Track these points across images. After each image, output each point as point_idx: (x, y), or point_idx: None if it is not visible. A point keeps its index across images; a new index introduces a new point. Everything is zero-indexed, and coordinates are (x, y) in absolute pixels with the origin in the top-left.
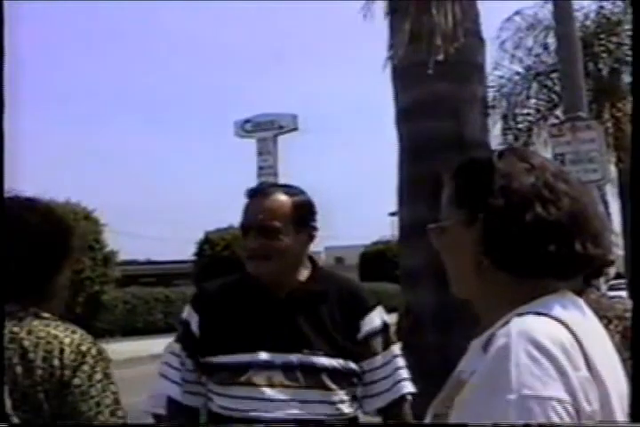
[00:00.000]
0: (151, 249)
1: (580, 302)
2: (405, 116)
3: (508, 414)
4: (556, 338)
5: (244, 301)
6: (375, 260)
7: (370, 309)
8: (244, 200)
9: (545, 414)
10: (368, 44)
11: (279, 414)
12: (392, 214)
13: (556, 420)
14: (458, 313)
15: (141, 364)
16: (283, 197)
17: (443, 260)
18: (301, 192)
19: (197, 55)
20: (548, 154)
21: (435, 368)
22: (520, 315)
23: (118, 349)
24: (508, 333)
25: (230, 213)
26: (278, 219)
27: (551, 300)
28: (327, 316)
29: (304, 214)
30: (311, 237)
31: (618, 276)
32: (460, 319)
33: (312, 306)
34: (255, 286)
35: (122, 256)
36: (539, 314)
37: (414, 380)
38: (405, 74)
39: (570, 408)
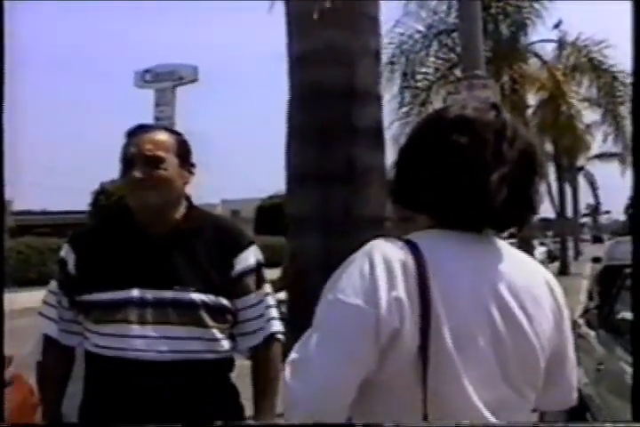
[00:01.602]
0: (47, 199)
1: (480, 240)
2: (297, 64)
3: (321, 310)
4: (387, 259)
5: (120, 239)
6: (271, 213)
7: (244, 247)
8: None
9: (340, 314)
10: None
11: (147, 351)
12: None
13: (346, 320)
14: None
15: (35, 314)
16: (165, 133)
17: None
18: (180, 133)
19: (101, 3)
20: None
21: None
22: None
23: (12, 299)
24: (361, 249)
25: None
26: (163, 150)
27: (432, 231)
28: (202, 253)
29: (186, 150)
30: (191, 173)
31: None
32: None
33: (187, 243)
34: (131, 223)
35: (16, 206)
36: (399, 239)
37: (299, 324)
38: (297, 22)
39: (368, 317)
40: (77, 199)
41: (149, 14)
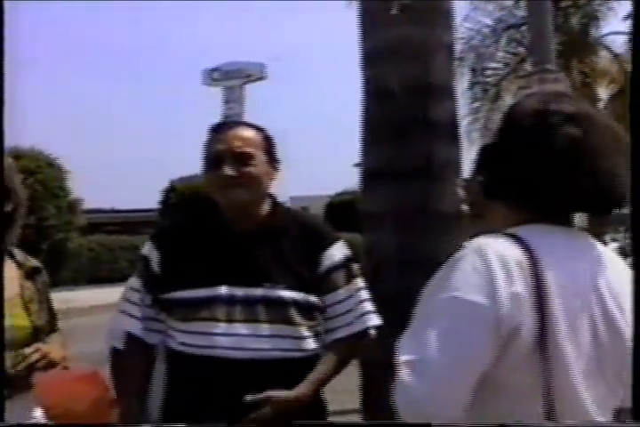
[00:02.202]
0: (116, 197)
1: (579, 236)
2: (371, 59)
3: (434, 308)
4: (501, 254)
5: (206, 236)
6: (341, 210)
7: (330, 243)
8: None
9: (459, 312)
10: None
11: (237, 349)
12: (357, 165)
13: (465, 318)
14: (418, 255)
15: (106, 311)
16: (251, 129)
17: None
18: (265, 129)
19: (167, 4)
20: None
21: (396, 308)
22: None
23: (82, 296)
24: (467, 247)
25: (195, 162)
26: (252, 146)
27: (533, 226)
28: (288, 250)
29: (271, 146)
30: (276, 170)
31: None
32: (420, 261)
33: (273, 240)
34: (217, 220)
35: (87, 205)
36: (505, 235)
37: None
38: (372, 17)
39: (488, 313)
40: (146, 198)
41: (216, 13)
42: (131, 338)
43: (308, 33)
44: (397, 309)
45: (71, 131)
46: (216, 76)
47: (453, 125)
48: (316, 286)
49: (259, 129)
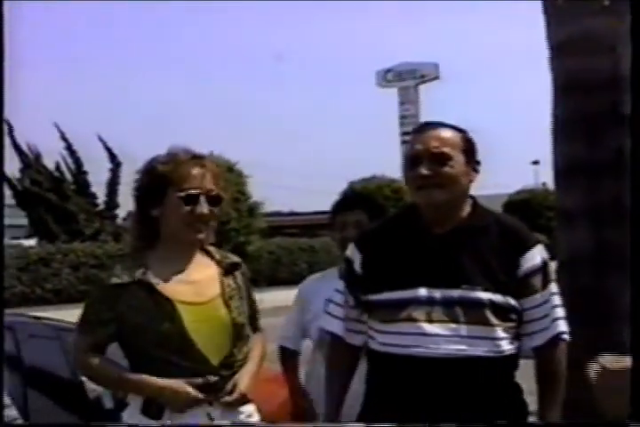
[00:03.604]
0: (294, 200)
1: None
2: (560, 52)
3: None
4: None
5: (406, 238)
6: (520, 208)
7: (531, 246)
8: (386, 150)
9: None
10: None
11: (436, 349)
12: (534, 163)
13: None
14: (615, 255)
15: (287, 312)
16: (451, 130)
17: None
18: (465, 131)
19: (338, 5)
20: None
21: (589, 310)
22: None
23: (264, 298)
24: None
25: (372, 164)
26: (450, 146)
27: None
28: (487, 252)
29: (472, 147)
30: (476, 172)
31: None
32: (617, 262)
33: (472, 242)
34: (416, 222)
35: (267, 208)
36: None
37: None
38: (560, 9)
39: None
40: (325, 200)
41: (386, 14)
42: (334, 338)
43: (478, 29)
44: (591, 307)
45: (251, 136)
46: (390, 77)
47: None
48: (513, 289)
49: (459, 130)
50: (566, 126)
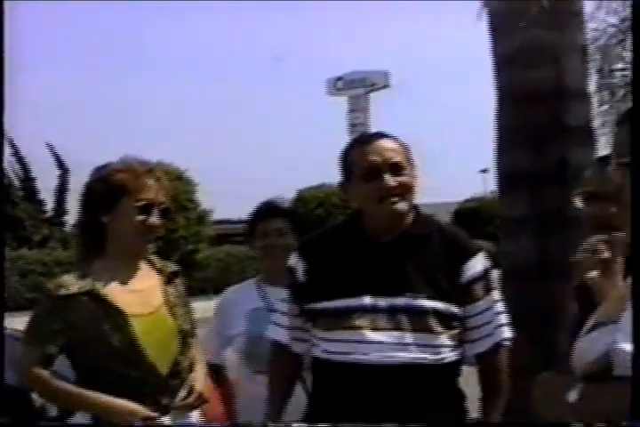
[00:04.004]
0: (243, 208)
1: None
2: (504, 63)
3: None
4: None
5: (350, 246)
6: (469, 216)
7: (473, 254)
8: (336, 158)
9: None
10: None
11: (380, 357)
12: (483, 171)
13: None
14: (559, 263)
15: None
16: (392, 139)
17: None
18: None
19: (290, 13)
20: None
21: (532, 318)
22: None
23: (212, 306)
24: None
25: (322, 172)
26: (400, 156)
27: None
28: (431, 260)
29: (411, 154)
30: (416, 178)
31: None
32: (560, 271)
33: (415, 250)
34: (361, 230)
35: (215, 215)
36: None
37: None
38: (503, 22)
39: None
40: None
41: (337, 22)
42: (278, 347)
43: (426, 38)
44: (533, 315)
45: (198, 143)
46: (340, 85)
47: (588, 129)
48: (456, 297)
49: (396, 139)
50: (510, 136)
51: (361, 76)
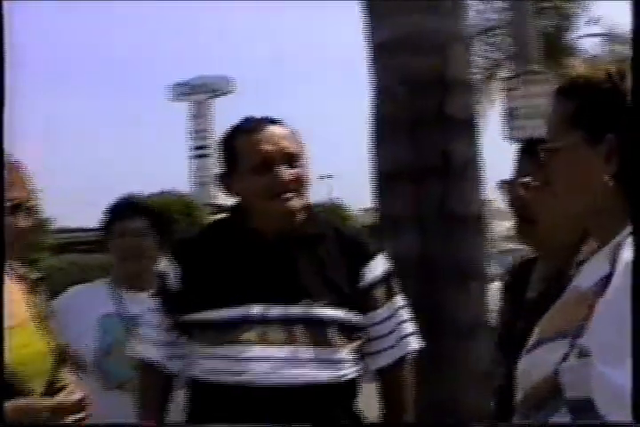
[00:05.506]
0: (82, 216)
1: None
2: (384, 51)
3: None
4: None
5: (233, 247)
6: None
7: (373, 255)
8: (175, 164)
9: None
10: None
11: (272, 376)
12: (328, 177)
13: None
14: (442, 263)
15: None
16: (283, 126)
17: (551, 180)
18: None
19: (132, 15)
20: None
21: (418, 323)
22: None
23: None
24: None
25: (161, 178)
26: (295, 145)
27: None
28: (326, 262)
29: (303, 143)
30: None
31: None
32: (444, 269)
33: (310, 251)
34: (244, 229)
35: (54, 224)
36: None
37: None
38: (384, 7)
39: None
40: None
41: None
42: (147, 365)
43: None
44: (419, 316)
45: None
46: (182, 90)
47: (471, 121)
48: (356, 303)
49: (284, 124)
50: (389, 128)
51: (203, 81)
